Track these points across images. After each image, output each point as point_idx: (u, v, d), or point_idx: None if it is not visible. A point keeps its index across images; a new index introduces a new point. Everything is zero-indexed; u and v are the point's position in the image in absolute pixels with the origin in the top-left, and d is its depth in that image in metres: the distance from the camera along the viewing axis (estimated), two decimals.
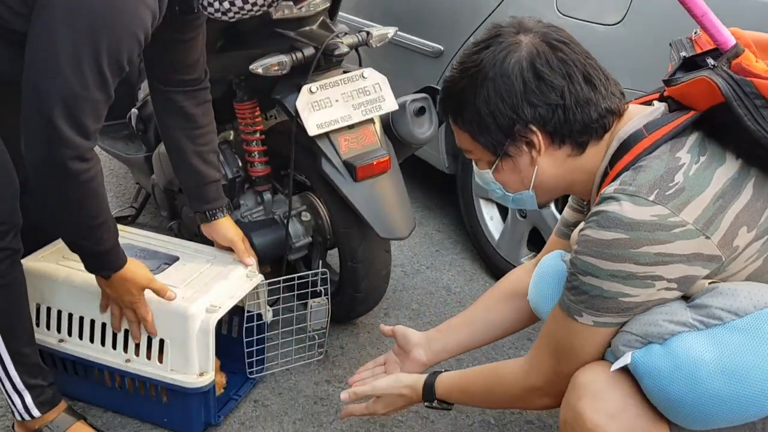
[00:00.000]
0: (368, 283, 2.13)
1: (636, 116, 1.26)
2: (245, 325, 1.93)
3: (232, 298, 1.81)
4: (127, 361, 1.77)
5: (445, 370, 1.56)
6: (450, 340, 1.71)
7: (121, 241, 1.94)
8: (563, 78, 1.22)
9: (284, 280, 1.95)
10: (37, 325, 1.84)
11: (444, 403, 1.53)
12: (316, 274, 1.98)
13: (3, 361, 1.64)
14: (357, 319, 2.28)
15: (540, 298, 1.49)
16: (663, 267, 1.13)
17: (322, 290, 1.99)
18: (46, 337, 1.83)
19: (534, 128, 1.24)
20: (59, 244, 1.93)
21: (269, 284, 1.93)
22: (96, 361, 1.79)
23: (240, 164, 2.18)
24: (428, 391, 1.52)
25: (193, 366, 1.73)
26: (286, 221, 2.10)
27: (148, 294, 1.72)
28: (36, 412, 1.69)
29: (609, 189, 1.18)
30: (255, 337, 1.93)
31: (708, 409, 1.12)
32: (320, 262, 2.21)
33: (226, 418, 1.89)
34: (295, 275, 1.97)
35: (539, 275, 1.51)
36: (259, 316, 1.95)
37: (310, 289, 1.99)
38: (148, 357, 1.76)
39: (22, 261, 1.85)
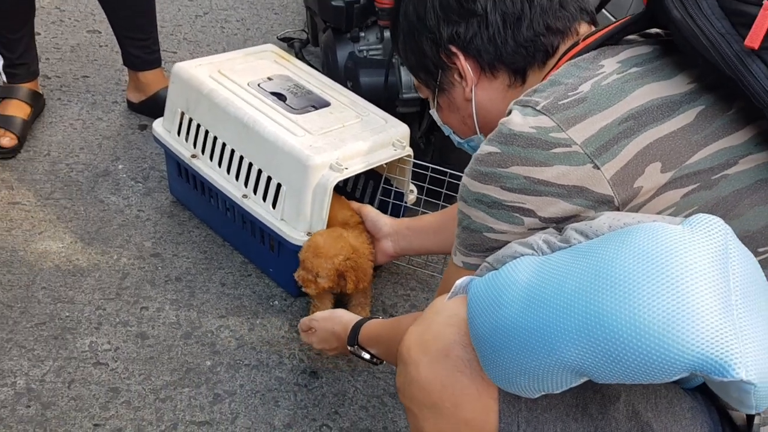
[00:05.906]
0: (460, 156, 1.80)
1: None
2: (378, 197, 1.72)
3: (365, 162, 1.59)
4: (244, 196, 1.64)
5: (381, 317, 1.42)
6: (416, 241, 1.62)
7: (278, 71, 1.80)
8: None
9: (434, 170, 1.68)
10: (178, 134, 1.77)
11: (365, 351, 1.33)
12: None
13: None
14: None
15: None
16: (534, 198, 0.89)
17: None
18: (182, 148, 1.76)
19: (454, 50, 1.06)
20: (220, 58, 1.83)
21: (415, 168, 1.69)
22: (218, 187, 1.68)
23: None
24: (353, 333, 1.34)
25: (304, 222, 1.56)
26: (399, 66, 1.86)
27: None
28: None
29: None
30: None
31: (499, 343, 0.82)
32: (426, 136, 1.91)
33: None
34: (449, 171, 1.69)
35: None
36: (401, 195, 1.72)
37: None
38: (264, 198, 1.61)
39: (179, 64, 1.77)
